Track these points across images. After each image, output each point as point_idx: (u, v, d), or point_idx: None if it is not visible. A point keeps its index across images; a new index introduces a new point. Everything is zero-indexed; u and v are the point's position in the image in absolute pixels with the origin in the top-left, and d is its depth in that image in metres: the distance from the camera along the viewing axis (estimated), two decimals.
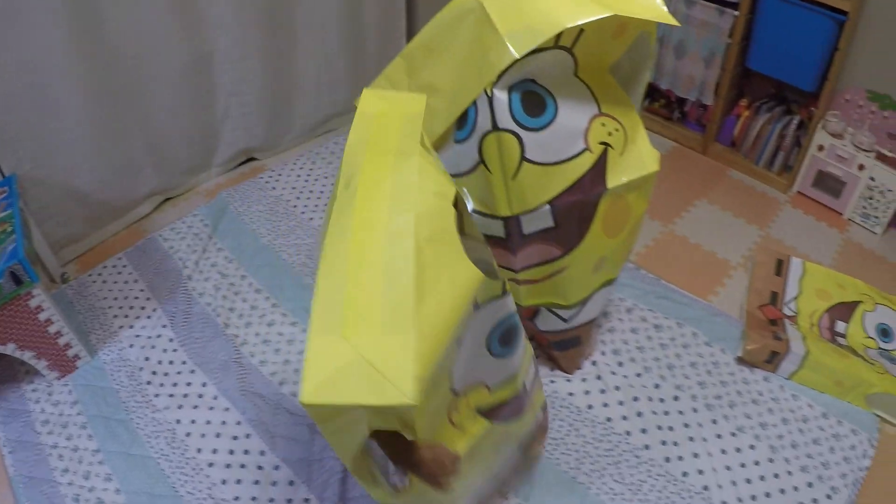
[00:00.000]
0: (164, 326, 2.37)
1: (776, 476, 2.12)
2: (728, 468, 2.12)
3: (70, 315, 2.49)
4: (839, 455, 2.21)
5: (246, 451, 2.10)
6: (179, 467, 2.06)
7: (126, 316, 2.49)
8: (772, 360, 2.40)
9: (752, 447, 2.19)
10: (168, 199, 3.09)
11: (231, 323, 2.36)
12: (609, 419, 2.22)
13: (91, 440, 2.13)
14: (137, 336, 2.41)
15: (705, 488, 2.07)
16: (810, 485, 2.11)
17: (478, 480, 1.67)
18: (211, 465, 2.07)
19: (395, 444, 1.27)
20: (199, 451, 2.09)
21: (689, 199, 3.32)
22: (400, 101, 1.42)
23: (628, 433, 2.19)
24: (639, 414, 2.25)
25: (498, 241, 1.84)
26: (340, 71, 3.46)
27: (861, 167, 3.28)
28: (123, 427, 2.17)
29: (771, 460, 2.16)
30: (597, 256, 1.95)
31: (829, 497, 2.08)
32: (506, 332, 1.46)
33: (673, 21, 1.67)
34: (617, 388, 2.31)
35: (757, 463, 2.15)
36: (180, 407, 2.20)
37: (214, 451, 2.10)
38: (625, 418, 2.23)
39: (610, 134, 1.78)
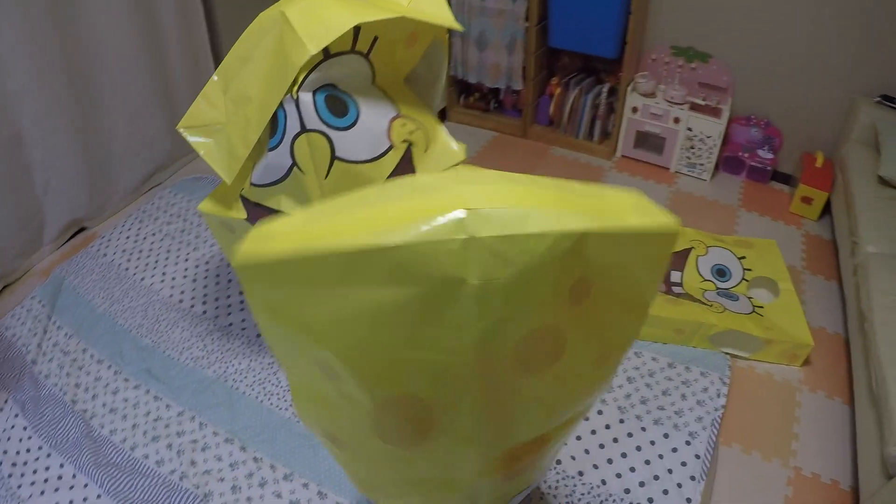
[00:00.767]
0: (16, 416, 2.23)
1: (630, 435, 2.06)
2: (578, 438, 2.04)
3: None
4: (692, 400, 2.17)
5: None
6: None
7: None
8: None
9: (599, 412, 2.12)
10: (6, 286, 2.91)
11: (78, 398, 2.27)
12: None
13: None
14: None
15: (558, 462, 1.98)
16: (666, 436, 2.05)
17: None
18: None
19: None
20: None
21: None
22: None
23: None
24: None
25: None
26: (153, 123, 3.34)
27: (676, 120, 3.34)
28: None
29: (622, 421, 2.10)
30: None
31: (688, 443, 2.03)
32: None
33: (457, 26, 1.78)
34: None
35: (608, 427, 2.08)
36: (42, 493, 2.03)
37: None
38: None
39: (411, 133, 1.85)
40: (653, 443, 2.04)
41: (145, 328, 2.50)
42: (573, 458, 1.99)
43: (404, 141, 1.83)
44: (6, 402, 2.30)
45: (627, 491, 1.92)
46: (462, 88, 3.86)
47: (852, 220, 2.62)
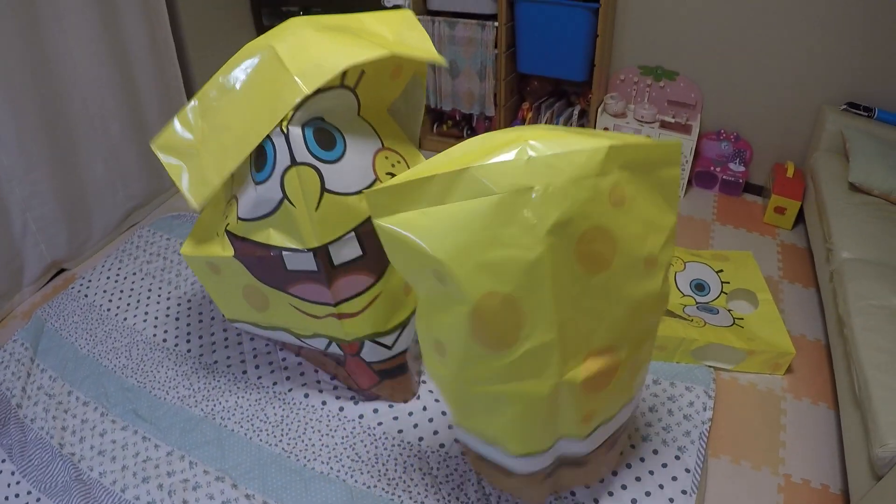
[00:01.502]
0: (3, 461, 2.19)
1: (619, 454, 2.07)
2: None
3: None
4: (679, 415, 2.19)
5: None
6: None
7: None
8: None
9: None
10: None
11: (66, 442, 2.23)
12: (442, 445, 2.13)
13: None
14: None
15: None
16: (655, 452, 2.07)
17: None
18: None
19: None
20: None
21: None
22: None
23: (464, 453, 2.10)
24: None
25: (311, 275, 1.84)
26: (129, 162, 3.35)
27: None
28: None
29: None
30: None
31: (677, 458, 2.04)
32: None
33: (442, 61, 1.85)
34: (444, 413, 2.23)
35: None
36: None
37: None
38: (457, 440, 2.14)
39: (393, 165, 1.88)
40: (643, 459, 2.05)
41: (130, 368, 2.48)
42: None
43: (388, 174, 1.86)
44: None
45: None
46: (435, 117, 3.90)
47: (826, 227, 2.67)
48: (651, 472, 2.00)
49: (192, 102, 1.83)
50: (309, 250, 1.79)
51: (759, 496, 2.04)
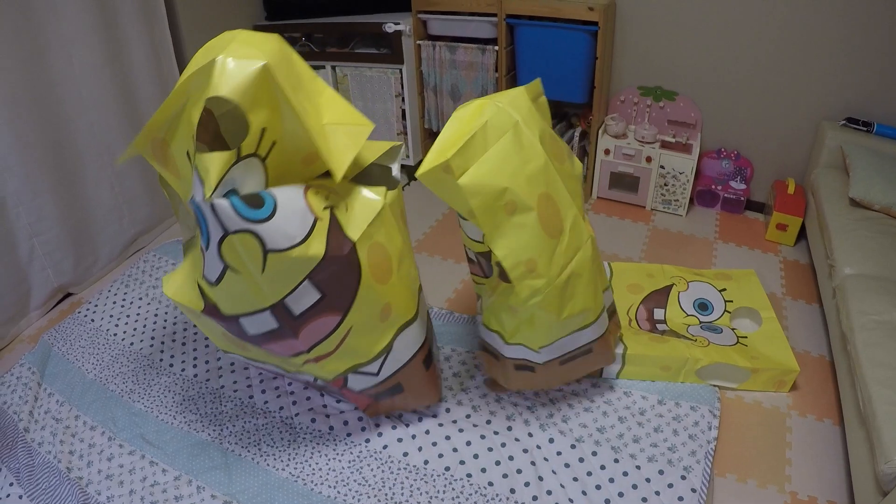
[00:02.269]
0: (11, 485, 2.20)
1: (625, 474, 2.07)
2: (575, 479, 2.05)
3: None
4: (685, 435, 2.19)
5: None
6: None
7: None
8: None
9: (594, 454, 2.13)
10: None
11: (73, 466, 2.24)
12: (447, 468, 2.14)
13: None
14: None
15: None
16: (661, 472, 2.07)
17: None
18: None
19: None
20: None
21: None
22: None
23: (469, 476, 2.11)
24: (475, 456, 2.17)
25: (274, 333, 1.79)
26: (135, 186, 3.39)
27: (649, 159, 3.41)
28: None
29: (616, 461, 2.11)
30: (378, 306, 1.90)
31: (683, 478, 2.04)
32: None
33: (337, 179, 1.73)
34: (447, 437, 2.24)
35: (603, 467, 2.09)
36: None
37: None
38: (462, 462, 2.15)
39: (327, 197, 1.79)
40: (648, 480, 2.05)
41: (137, 393, 2.49)
42: (571, 500, 2.00)
43: (325, 208, 1.76)
44: (0, 470, 2.29)
45: None
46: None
47: (827, 243, 2.68)
48: (657, 493, 2.01)
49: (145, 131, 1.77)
50: (265, 309, 1.73)
51: None
